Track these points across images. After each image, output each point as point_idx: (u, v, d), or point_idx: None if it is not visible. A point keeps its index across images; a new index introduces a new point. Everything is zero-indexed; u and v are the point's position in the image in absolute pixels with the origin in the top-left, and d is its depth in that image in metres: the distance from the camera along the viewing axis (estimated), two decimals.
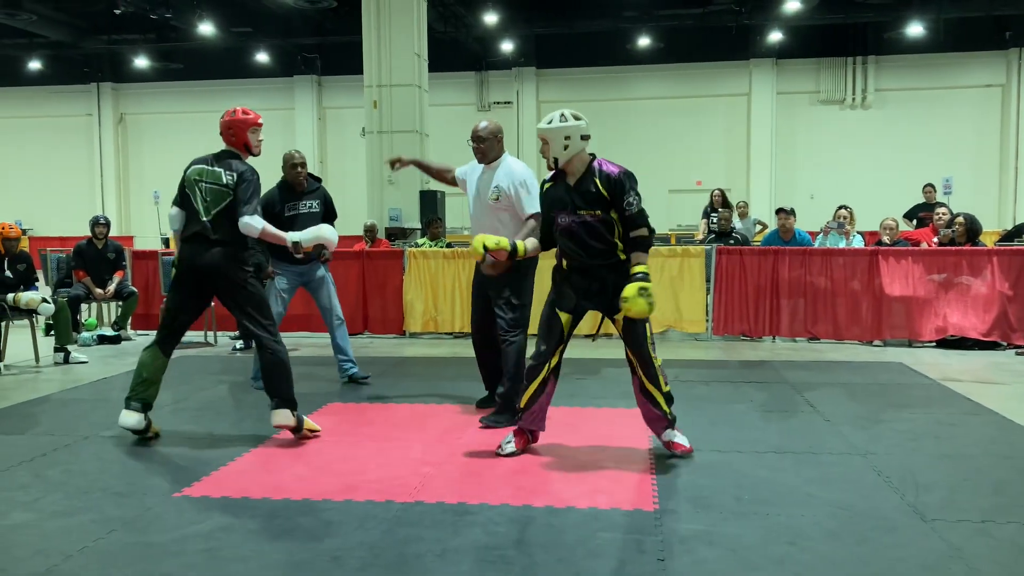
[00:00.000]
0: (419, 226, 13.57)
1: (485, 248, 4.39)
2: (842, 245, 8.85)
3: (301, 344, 8.52)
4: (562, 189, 4.38)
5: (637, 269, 4.31)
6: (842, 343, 8.37)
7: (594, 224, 4.30)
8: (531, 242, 4.58)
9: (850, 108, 21.33)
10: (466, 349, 8.20)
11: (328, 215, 6.36)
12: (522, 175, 5.13)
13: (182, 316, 4.93)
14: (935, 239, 8.92)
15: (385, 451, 4.58)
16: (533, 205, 4.99)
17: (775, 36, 19.96)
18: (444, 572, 3.03)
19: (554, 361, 4.44)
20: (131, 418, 4.74)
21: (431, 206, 13.65)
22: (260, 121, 4.99)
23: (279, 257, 6.18)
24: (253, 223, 4.66)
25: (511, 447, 4.49)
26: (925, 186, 12.32)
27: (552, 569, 3.05)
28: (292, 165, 6.27)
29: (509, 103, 22.53)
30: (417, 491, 3.86)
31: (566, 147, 4.29)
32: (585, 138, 4.33)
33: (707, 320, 8.68)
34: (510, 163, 5.25)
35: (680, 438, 4.47)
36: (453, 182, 5.61)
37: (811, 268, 8.43)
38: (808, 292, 8.43)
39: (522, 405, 4.51)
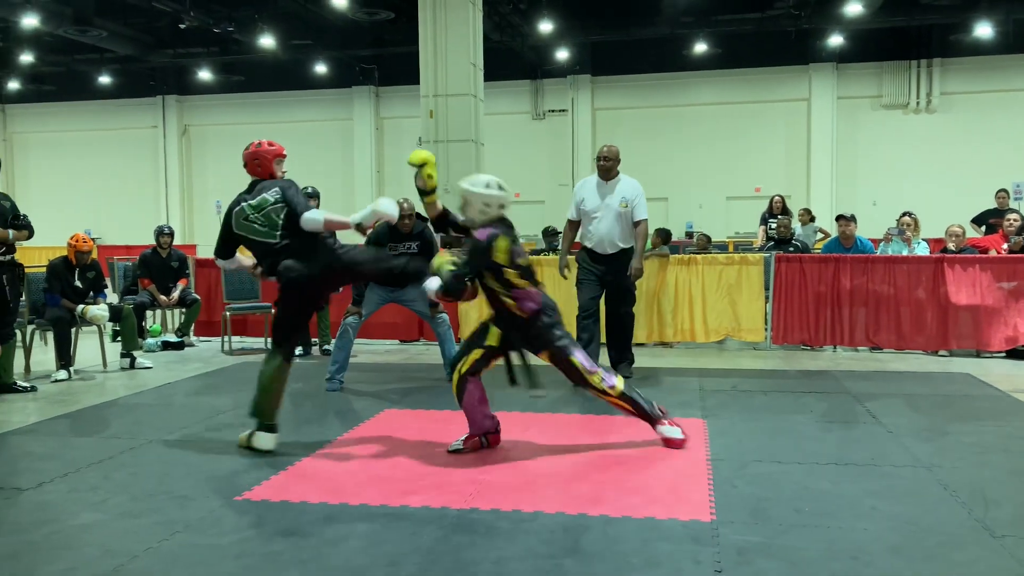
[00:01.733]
0: None
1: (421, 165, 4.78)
2: (905, 253, 8.64)
3: (360, 351, 8.62)
4: None
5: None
6: (906, 353, 8.17)
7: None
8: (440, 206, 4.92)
9: (914, 112, 20.85)
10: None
11: (425, 251, 6.52)
12: (640, 188, 6.77)
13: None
14: (1005, 246, 8.65)
15: (440, 458, 4.61)
16: (643, 212, 6.70)
17: (835, 40, 19.60)
18: None
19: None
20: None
21: None
22: (284, 153, 5.08)
23: (380, 282, 6.26)
24: (314, 216, 4.74)
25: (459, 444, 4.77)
26: (998, 191, 11.94)
27: None
28: (400, 216, 6.27)
29: (564, 111, 22.53)
30: (472, 498, 3.88)
31: (483, 213, 4.57)
32: (502, 207, 4.64)
33: (766, 329, 8.55)
34: (628, 179, 6.80)
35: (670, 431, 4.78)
36: (577, 225, 6.97)
37: (873, 276, 8.25)
38: (870, 301, 8.25)
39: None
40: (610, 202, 6.69)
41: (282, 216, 4.79)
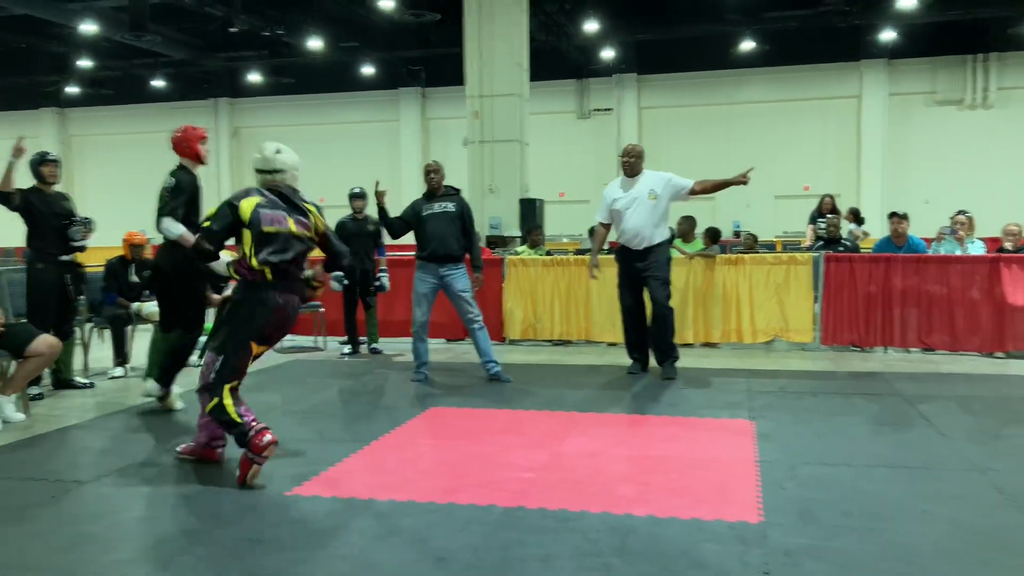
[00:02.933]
0: (519, 234, 13.67)
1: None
2: (958, 252, 8.45)
3: (406, 350, 8.70)
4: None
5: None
6: (960, 355, 8.00)
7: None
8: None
9: (970, 108, 20.36)
10: (565, 356, 8.24)
11: (464, 220, 6.88)
12: (667, 174, 6.90)
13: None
14: None
15: (486, 456, 4.64)
16: (686, 181, 6.85)
17: (888, 35, 19.23)
18: None
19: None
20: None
21: (531, 214, 13.73)
22: (206, 134, 6.02)
23: (422, 258, 6.84)
24: (170, 228, 5.56)
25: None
26: None
27: None
28: (426, 172, 7.05)
29: (609, 110, 22.46)
30: (519, 496, 3.90)
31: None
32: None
33: (815, 329, 8.43)
34: (652, 172, 6.92)
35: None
36: (609, 227, 7.07)
37: (926, 276, 8.09)
38: (923, 301, 8.09)
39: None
40: (637, 194, 6.79)
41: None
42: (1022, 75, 19.89)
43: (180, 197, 5.61)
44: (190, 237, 5.17)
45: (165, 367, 5.78)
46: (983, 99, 20.19)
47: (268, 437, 4.08)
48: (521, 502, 3.82)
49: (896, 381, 6.75)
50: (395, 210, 7.00)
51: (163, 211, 5.55)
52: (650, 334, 7.02)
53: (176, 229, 5.52)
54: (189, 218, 5.62)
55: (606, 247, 7.67)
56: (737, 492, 3.95)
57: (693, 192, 6.83)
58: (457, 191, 7.08)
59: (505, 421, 5.55)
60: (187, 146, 5.82)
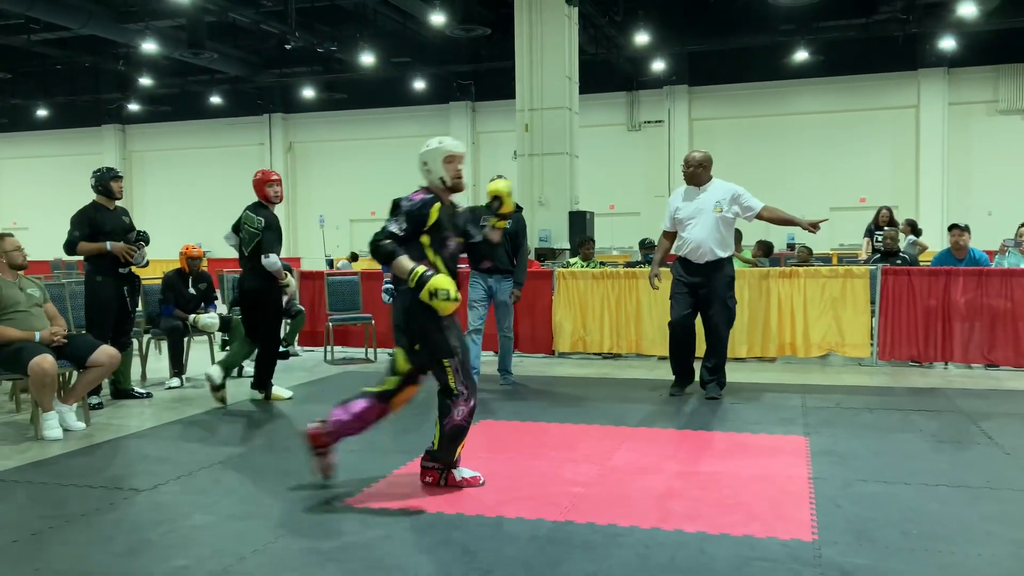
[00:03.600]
0: (568, 246, 13.65)
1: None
2: (1023, 265, 8.20)
3: None
4: (451, 212, 4.38)
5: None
6: None
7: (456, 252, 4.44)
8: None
9: None
10: (614, 370, 8.18)
11: (517, 237, 7.21)
12: (735, 187, 6.59)
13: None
14: None
15: (536, 469, 4.62)
16: (756, 202, 6.54)
17: (947, 44, 18.84)
18: None
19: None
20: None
21: (580, 227, 13.72)
22: (274, 177, 6.78)
23: (474, 268, 7.25)
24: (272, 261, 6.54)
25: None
26: None
27: None
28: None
29: (660, 122, 22.37)
30: (568, 511, 3.88)
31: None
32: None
33: (872, 344, 8.25)
34: (721, 182, 6.65)
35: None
36: (673, 236, 6.76)
37: (988, 290, 7.86)
38: (985, 315, 7.86)
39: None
40: (703, 206, 6.50)
41: (253, 244, 6.54)
42: None
43: (274, 234, 6.57)
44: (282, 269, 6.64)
45: (257, 375, 6.85)
46: None
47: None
48: (570, 516, 3.79)
49: (957, 397, 6.56)
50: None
51: (268, 248, 6.51)
52: (696, 355, 6.77)
53: (277, 264, 6.56)
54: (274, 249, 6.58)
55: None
56: (791, 509, 3.87)
57: (760, 217, 6.53)
58: (519, 209, 7.30)
59: (555, 435, 5.53)
60: (258, 188, 6.71)
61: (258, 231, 6.53)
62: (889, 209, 10.79)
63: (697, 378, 6.80)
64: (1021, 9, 17.18)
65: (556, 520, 3.75)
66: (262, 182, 6.71)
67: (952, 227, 8.71)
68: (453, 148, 4.43)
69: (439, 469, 4.32)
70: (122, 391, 6.91)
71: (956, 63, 19.83)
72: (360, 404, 4.33)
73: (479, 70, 22.49)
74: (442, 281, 4.05)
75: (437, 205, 4.25)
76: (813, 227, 6.35)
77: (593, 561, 3.29)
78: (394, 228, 4.13)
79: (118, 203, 6.78)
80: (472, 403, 4.22)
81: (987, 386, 7.11)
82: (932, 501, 3.98)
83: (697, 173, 6.58)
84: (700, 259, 6.49)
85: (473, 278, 7.25)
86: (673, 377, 6.86)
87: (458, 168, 4.38)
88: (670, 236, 6.80)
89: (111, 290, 6.58)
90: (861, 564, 3.24)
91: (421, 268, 4.07)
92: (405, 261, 4.09)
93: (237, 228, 6.76)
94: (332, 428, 4.32)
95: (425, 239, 4.23)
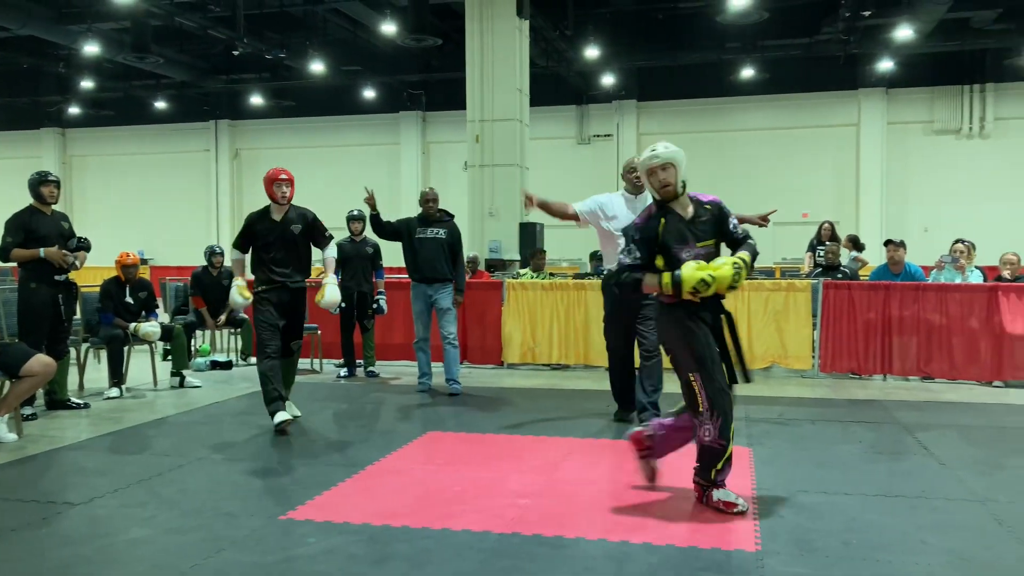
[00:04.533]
0: (518, 258, 13.68)
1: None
2: (958, 280, 8.46)
3: (403, 373, 8.68)
4: (679, 223, 4.17)
5: (739, 255, 4.14)
6: (959, 383, 7.98)
7: (710, 256, 4.18)
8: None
9: (967, 138, 20.51)
10: (563, 381, 8.20)
11: (452, 238, 7.47)
12: None
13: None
14: None
15: (483, 481, 4.60)
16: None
17: (886, 65, 19.40)
18: None
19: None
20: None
21: (531, 238, 13.76)
22: (281, 176, 6.11)
23: (413, 279, 7.45)
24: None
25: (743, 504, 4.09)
26: None
27: None
28: (425, 200, 7.54)
29: (609, 136, 22.58)
30: (514, 522, 3.87)
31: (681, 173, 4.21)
32: None
33: (813, 356, 8.42)
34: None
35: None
36: (574, 217, 6.08)
37: (925, 304, 8.09)
38: (922, 329, 8.08)
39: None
40: None
41: None
42: (1018, 105, 20.05)
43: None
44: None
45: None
46: (980, 129, 20.34)
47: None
48: (516, 528, 3.78)
49: (895, 409, 6.72)
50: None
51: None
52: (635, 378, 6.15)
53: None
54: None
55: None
56: (734, 520, 3.91)
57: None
58: (451, 216, 7.60)
59: (503, 446, 5.51)
60: (265, 187, 6.16)
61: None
62: (831, 224, 11.02)
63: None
64: (955, 34, 17.78)
65: (502, 532, 3.73)
66: (268, 180, 6.11)
67: (887, 242, 8.94)
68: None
69: (702, 485, 4.16)
70: (58, 401, 6.72)
71: (895, 84, 20.42)
72: (686, 418, 4.21)
73: (430, 80, 22.45)
74: (690, 272, 3.97)
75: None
76: (763, 220, 5.89)
77: (539, 573, 3.28)
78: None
79: (58, 208, 6.61)
80: (720, 421, 4.03)
81: (923, 398, 7.30)
82: (871, 511, 4.06)
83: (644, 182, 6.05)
84: None
85: (415, 291, 7.48)
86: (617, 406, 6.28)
87: (656, 179, 4.20)
88: (576, 216, 6.07)
89: (45, 297, 6.40)
90: (802, 573, 3.29)
91: (666, 274, 4.04)
92: (649, 278, 4.11)
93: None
94: (654, 433, 4.32)
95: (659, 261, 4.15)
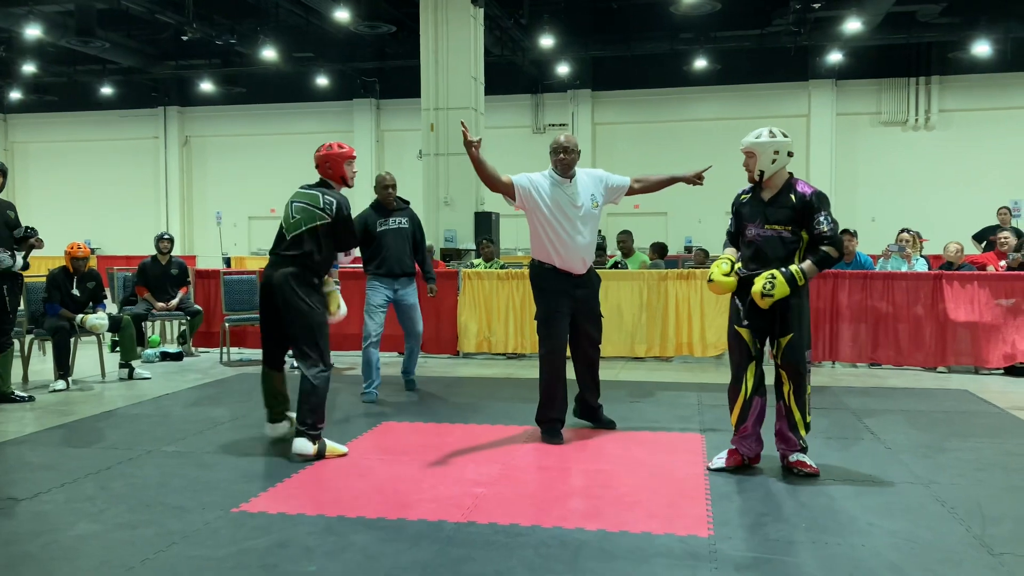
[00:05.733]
0: (474, 247, 13.67)
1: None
2: (904, 269, 8.65)
3: (355, 363, 8.62)
4: (756, 202, 4.49)
5: (791, 266, 4.35)
6: (904, 369, 8.17)
7: (780, 240, 4.41)
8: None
9: (913, 129, 20.96)
10: (518, 370, 8.22)
11: (414, 226, 6.87)
12: (601, 171, 5.56)
13: (273, 332, 5.07)
14: (1003, 263, 8.67)
15: (438, 471, 4.60)
16: (623, 179, 5.51)
17: (835, 57, 19.75)
18: None
19: (750, 380, 4.49)
20: (281, 430, 5.21)
21: (486, 227, 13.74)
22: (354, 154, 5.19)
23: (380, 272, 6.70)
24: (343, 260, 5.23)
25: (721, 463, 4.55)
26: (1000, 208, 11.96)
27: None
28: (384, 186, 6.78)
29: (564, 125, 22.62)
30: (470, 511, 3.87)
31: (773, 161, 4.43)
32: (790, 155, 4.47)
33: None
34: (583, 171, 5.42)
35: (808, 459, 4.51)
36: (507, 191, 5.29)
37: (872, 292, 8.26)
38: (869, 317, 8.26)
39: (733, 424, 4.58)
40: (583, 203, 5.26)
41: (312, 224, 4.90)
42: (962, 98, 20.54)
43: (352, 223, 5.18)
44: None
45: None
46: (925, 121, 20.80)
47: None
48: (472, 517, 3.79)
49: (844, 395, 6.87)
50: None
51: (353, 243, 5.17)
52: (578, 375, 5.59)
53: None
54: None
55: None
56: (688, 506, 3.97)
57: (632, 191, 5.51)
58: (407, 203, 6.99)
59: (458, 436, 5.51)
60: (331, 167, 5.04)
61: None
62: None
63: (576, 413, 5.66)
64: (901, 27, 18.14)
65: (458, 521, 3.74)
66: (340, 158, 5.08)
67: (843, 232, 9.10)
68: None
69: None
70: (1, 395, 6.54)
71: (843, 75, 20.78)
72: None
73: (384, 68, 22.25)
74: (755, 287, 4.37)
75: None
76: (698, 178, 5.47)
77: (495, 562, 3.29)
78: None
79: (3, 197, 6.43)
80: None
81: (871, 384, 7.47)
82: (820, 495, 4.15)
83: (575, 161, 5.34)
84: (580, 270, 5.31)
85: (375, 284, 6.68)
86: (547, 424, 5.38)
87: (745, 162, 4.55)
88: (508, 187, 5.29)
89: None
90: (754, 557, 3.35)
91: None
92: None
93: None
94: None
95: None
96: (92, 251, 7.89)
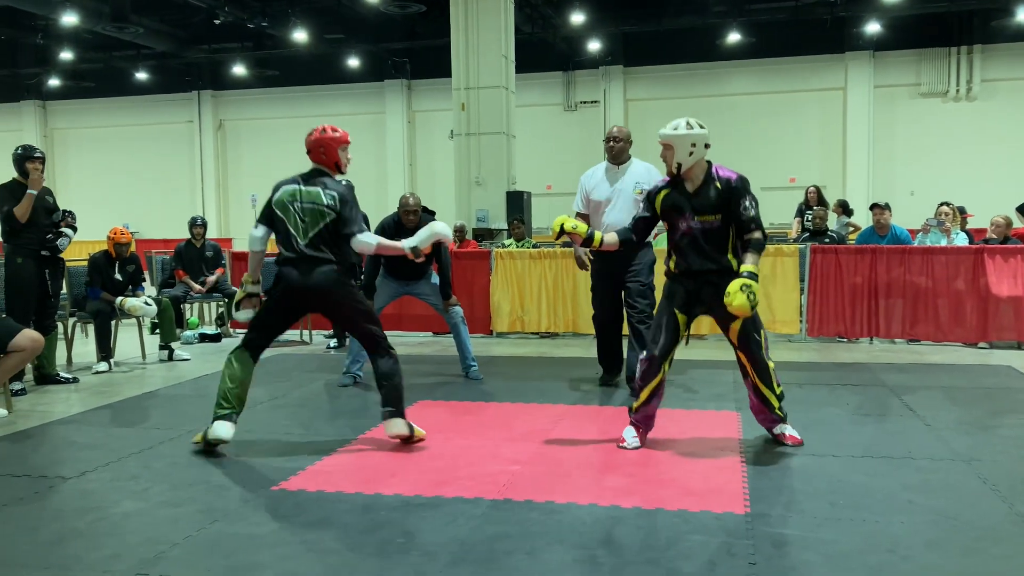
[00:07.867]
0: (506, 227, 13.67)
1: (562, 229, 4.63)
2: (943, 243, 8.50)
3: (394, 343, 8.67)
4: (681, 195, 4.47)
5: (745, 268, 4.32)
6: (944, 345, 8.05)
7: (711, 230, 4.41)
8: (610, 236, 4.71)
9: (954, 100, 20.48)
10: (552, 349, 8.23)
11: (441, 253, 6.40)
12: (656, 171, 5.85)
13: (276, 331, 4.94)
14: None
15: (474, 449, 4.63)
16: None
17: (872, 28, 19.31)
18: (534, 570, 3.04)
19: (667, 366, 4.56)
20: (224, 428, 4.59)
21: (518, 207, 13.73)
22: (349, 139, 4.93)
23: (390, 272, 6.51)
24: (368, 240, 4.73)
25: (636, 441, 4.58)
26: None
27: (641, 570, 3.03)
28: (406, 212, 6.38)
29: (596, 102, 22.44)
30: (506, 489, 3.90)
31: (691, 153, 4.39)
32: (707, 146, 4.42)
33: (801, 321, 8.47)
34: (640, 162, 6.13)
35: (791, 431, 4.63)
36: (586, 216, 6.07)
37: (911, 267, 8.13)
38: (908, 292, 8.13)
39: (635, 407, 4.61)
40: (622, 187, 5.97)
41: (323, 224, 4.65)
42: (1005, 67, 20.00)
43: (357, 209, 4.83)
44: (385, 242, 4.91)
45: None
46: (967, 91, 20.31)
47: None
48: (508, 495, 3.81)
49: (881, 372, 6.78)
50: (377, 210, 6.83)
51: (354, 229, 4.70)
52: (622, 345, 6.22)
53: (372, 240, 4.82)
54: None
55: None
56: (724, 483, 3.96)
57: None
58: (432, 215, 6.56)
59: (493, 415, 5.54)
60: (324, 152, 4.84)
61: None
62: (817, 188, 11.04)
63: (625, 371, 6.18)
64: None
65: (495, 498, 3.77)
66: (334, 143, 4.86)
67: (873, 206, 8.98)
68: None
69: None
70: (46, 376, 6.70)
71: (881, 47, 20.33)
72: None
73: (414, 48, 22.21)
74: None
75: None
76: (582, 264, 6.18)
77: (531, 538, 3.31)
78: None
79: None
80: None
81: (909, 360, 7.37)
82: (858, 472, 4.11)
83: (624, 148, 6.07)
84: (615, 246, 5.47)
85: (380, 279, 6.53)
86: (601, 369, 6.39)
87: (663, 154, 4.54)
88: (583, 217, 6.06)
89: (32, 272, 6.36)
90: (791, 534, 3.34)
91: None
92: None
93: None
94: None
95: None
96: (131, 234, 8.00)
